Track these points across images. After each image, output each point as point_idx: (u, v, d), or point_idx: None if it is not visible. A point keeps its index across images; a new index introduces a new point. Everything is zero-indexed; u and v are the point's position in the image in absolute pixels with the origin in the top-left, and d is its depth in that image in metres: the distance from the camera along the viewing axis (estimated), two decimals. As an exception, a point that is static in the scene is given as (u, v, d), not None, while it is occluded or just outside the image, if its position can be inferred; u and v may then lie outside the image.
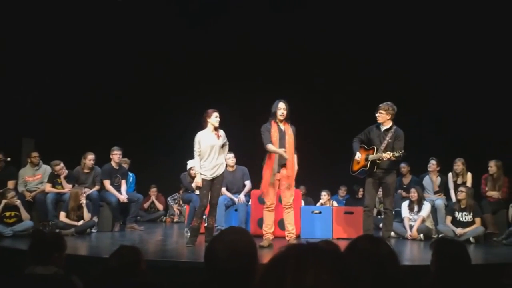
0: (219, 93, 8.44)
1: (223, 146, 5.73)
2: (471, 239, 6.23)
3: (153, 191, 9.41)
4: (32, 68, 8.24)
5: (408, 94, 7.98)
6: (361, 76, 8.72)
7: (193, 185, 7.16)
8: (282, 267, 0.88)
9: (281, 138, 5.52)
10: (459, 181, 7.12)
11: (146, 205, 9.24)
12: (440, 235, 6.44)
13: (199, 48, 9.14)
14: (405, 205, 6.93)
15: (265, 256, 3.91)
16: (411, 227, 6.72)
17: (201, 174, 5.56)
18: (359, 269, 1.38)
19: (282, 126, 5.59)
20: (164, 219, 9.26)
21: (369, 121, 5.94)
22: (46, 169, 7.32)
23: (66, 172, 7.16)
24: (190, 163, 7.22)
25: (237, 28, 8.90)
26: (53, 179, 7.13)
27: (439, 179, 7.39)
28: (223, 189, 6.65)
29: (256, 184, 7.36)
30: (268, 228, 5.60)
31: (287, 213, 5.64)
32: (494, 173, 6.85)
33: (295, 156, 5.68)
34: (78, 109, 8.88)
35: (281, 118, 5.53)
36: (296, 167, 5.68)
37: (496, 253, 5.62)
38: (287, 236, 5.66)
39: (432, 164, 7.36)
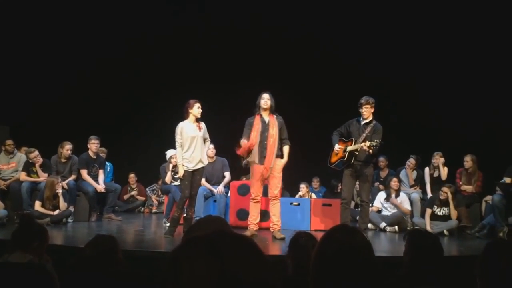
0: (199, 82, 8.40)
1: (204, 140, 5.70)
2: (445, 232, 6.38)
3: (131, 176, 9.32)
4: (7, 55, 8.05)
5: (387, 88, 8.06)
6: (340, 69, 8.77)
7: (167, 179, 7.15)
8: (167, 264, 0.89)
9: (263, 131, 5.51)
10: (436, 174, 7.27)
11: (125, 197, 9.17)
12: (415, 227, 6.57)
13: (179, 36, 9.05)
14: (381, 194, 7.08)
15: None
16: (384, 217, 6.87)
17: (182, 165, 5.53)
18: (333, 258, 1.40)
19: (266, 118, 5.57)
20: (142, 210, 9.20)
21: (347, 113, 6.00)
22: (21, 157, 7.18)
23: (41, 160, 7.04)
24: (169, 153, 7.18)
25: (220, 17, 8.84)
26: (28, 167, 7.00)
27: (415, 173, 7.54)
28: (202, 180, 6.63)
29: (235, 175, 7.38)
30: (253, 219, 5.62)
31: (273, 204, 5.65)
32: (469, 168, 6.99)
33: (287, 147, 5.65)
34: (55, 98, 8.71)
35: (265, 107, 5.53)
36: (285, 158, 5.63)
37: (469, 245, 5.75)
38: (271, 227, 5.68)
39: (411, 163, 7.51)
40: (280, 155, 5.62)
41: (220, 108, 8.13)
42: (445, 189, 6.60)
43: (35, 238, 2.75)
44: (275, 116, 5.61)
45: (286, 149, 5.66)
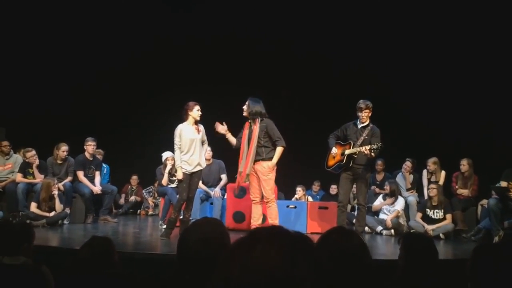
0: (197, 84, 8.39)
1: (202, 143, 5.66)
2: (441, 235, 6.39)
3: (134, 178, 9.32)
4: (4, 57, 8.04)
5: (382, 92, 8.08)
6: (334, 73, 8.79)
7: (163, 181, 7.14)
8: (237, 243, 0.96)
9: (249, 138, 5.52)
10: (433, 178, 7.28)
11: (120, 202, 9.16)
12: (411, 231, 6.58)
13: (177, 37, 9.05)
14: (380, 197, 7.13)
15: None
16: (381, 221, 6.89)
17: (181, 168, 5.51)
18: (330, 260, 1.40)
19: (252, 125, 5.54)
20: (138, 212, 9.18)
21: (342, 116, 6.00)
22: (17, 158, 7.17)
23: (37, 161, 7.01)
24: (165, 155, 7.17)
25: (219, 20, 8.85)
26: (25, 168, 6.97)
27: (411, 176, 7.55)
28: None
29: (232, 177, 7.36)
30: (254, 220, 5.58)
31: (268, 207, 5.60)
32: (465, 171, 7.00)
33: (278, 148, 5.46)
34: (52, 99, 8.69)
35: (244, 115, 5.55)
36: (272, 160, 5.45)
37: (465, 249, 5.75)
38: None
39: (407, 166, 7.53)
40: (268, 158, 5.49)
41: (217, 111, 8.11)
42: (432, 185, 6.68)
43: (20, 241, 2.66)
44: (258, 120, 5.48)
45: (277, 150, 5.49)
